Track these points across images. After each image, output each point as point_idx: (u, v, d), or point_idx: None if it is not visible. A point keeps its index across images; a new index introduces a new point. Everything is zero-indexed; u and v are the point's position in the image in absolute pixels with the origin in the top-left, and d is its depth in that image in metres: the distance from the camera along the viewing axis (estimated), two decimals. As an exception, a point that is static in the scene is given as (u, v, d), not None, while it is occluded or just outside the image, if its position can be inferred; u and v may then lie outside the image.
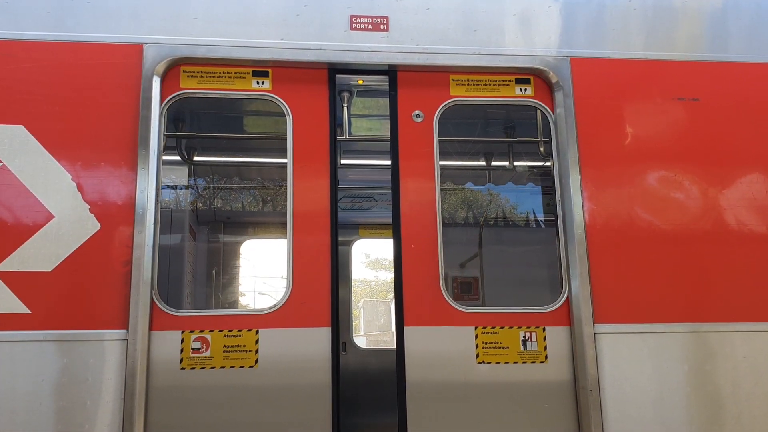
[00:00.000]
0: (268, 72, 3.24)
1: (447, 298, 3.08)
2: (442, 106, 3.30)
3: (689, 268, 3.16)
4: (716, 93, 3.38)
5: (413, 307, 3.06)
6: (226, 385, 2.90)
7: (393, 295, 3.19)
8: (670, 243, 3.18)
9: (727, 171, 3.30)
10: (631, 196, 3.21)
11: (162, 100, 3.12)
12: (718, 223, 3.24)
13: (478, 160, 5.62)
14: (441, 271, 3.11)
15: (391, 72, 3.33)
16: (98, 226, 2.92)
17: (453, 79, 3.34)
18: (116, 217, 2.94)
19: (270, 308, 3.00)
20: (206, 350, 2.91)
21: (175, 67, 3.18)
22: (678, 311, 3.11)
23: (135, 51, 3.11)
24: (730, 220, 3.25)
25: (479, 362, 3.02)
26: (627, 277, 3.12)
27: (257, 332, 2.96)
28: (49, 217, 2.90)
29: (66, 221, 2.91)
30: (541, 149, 4.45)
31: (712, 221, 3.24)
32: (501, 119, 4.90)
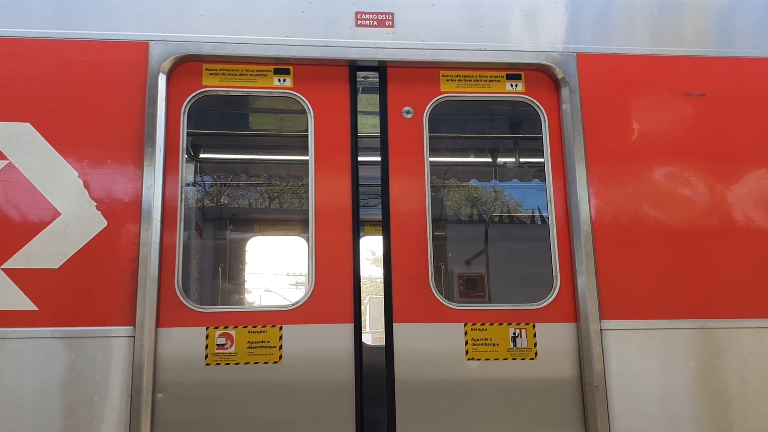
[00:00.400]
0: (289, 69, 3.23)
1: (436, 295, 3.07)
2: (432, 102, 3.29)
3: (696, 264, 3.15)
4: (723, 88, 3.36)
5: (402, 303, 3.05)
6: (249, 381, 2.90)
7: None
8: (677, 239, 3.17)
9: (734, 167, 3.29)
10: (638, 192, 3.20)
11: (177, 97, 3.12)
12: (726, 219, 3.22)
13: (478, 157, 5.58)
14: (430, 267, 3.10)
15: (381, 68, 3.31)
16: (105, 223, 2.93)
17: (443, 75, 3.33)
18: (123, 214, 2.94)
19: (293, 304, 3.00)
20: (231, 346, 2.92)
21: (192, 64, 3.17)
22: (685, 307, 3.10)
23: (140, 48, 3.11)
24: (737, 216, 3.23)
25: (468, 359, 3.02)
26: (633, 274, 3.11)
27: (281, 328, 2.96)
28: (56, 214, 2.91)
29: (73, 218, 2.92)
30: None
31: (720, 217, 3.22)
32: (506, 116, 4.88)
